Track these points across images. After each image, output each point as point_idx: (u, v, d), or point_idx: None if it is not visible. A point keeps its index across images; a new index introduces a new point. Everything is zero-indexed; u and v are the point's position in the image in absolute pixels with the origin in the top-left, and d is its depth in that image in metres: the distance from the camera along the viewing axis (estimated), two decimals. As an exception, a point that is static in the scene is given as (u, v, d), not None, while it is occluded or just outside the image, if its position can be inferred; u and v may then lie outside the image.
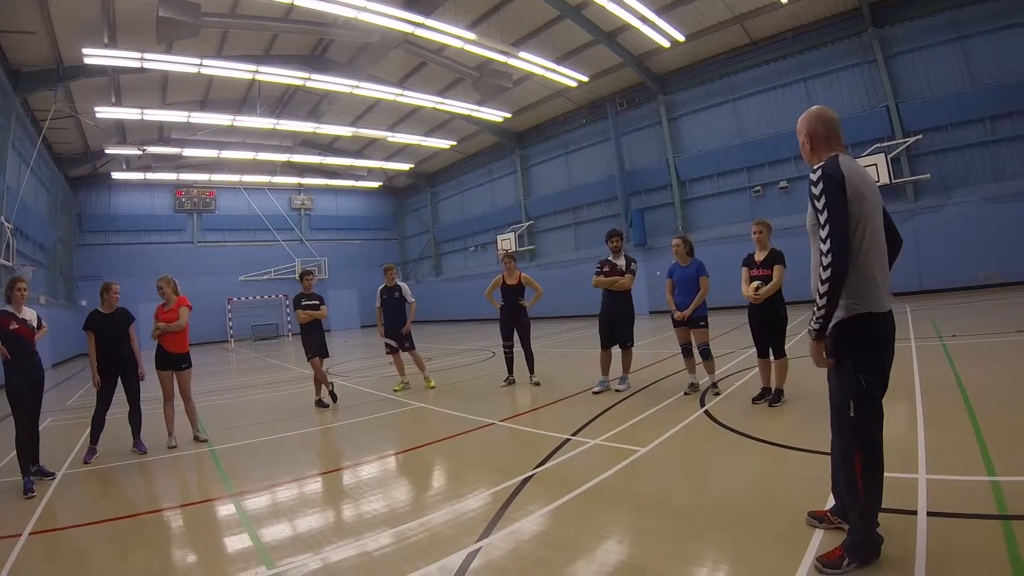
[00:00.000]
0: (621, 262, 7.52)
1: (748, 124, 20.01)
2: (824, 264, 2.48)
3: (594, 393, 7.31)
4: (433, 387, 9.11)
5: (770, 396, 5.84)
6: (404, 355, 9.30)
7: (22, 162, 18.61)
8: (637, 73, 21.31)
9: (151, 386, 6.84)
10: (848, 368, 2.59)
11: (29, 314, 5.72)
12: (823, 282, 2.48)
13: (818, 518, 2.95)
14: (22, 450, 5.36)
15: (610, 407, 6.50)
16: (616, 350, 7.58)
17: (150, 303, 7.01)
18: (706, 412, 5.79)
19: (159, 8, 13.63)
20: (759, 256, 5.96)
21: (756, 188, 19.81)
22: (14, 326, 5.49)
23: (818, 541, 2.79)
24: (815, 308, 2.55)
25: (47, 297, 20.52)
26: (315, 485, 4.98)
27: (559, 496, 3.84)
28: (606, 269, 7.54)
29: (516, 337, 8.72)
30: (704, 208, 21.57)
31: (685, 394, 6.65)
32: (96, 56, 15.24)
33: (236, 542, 3.76)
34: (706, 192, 21.44)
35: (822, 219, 2.53)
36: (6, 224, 15.86)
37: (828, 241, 2.48)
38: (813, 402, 5.45)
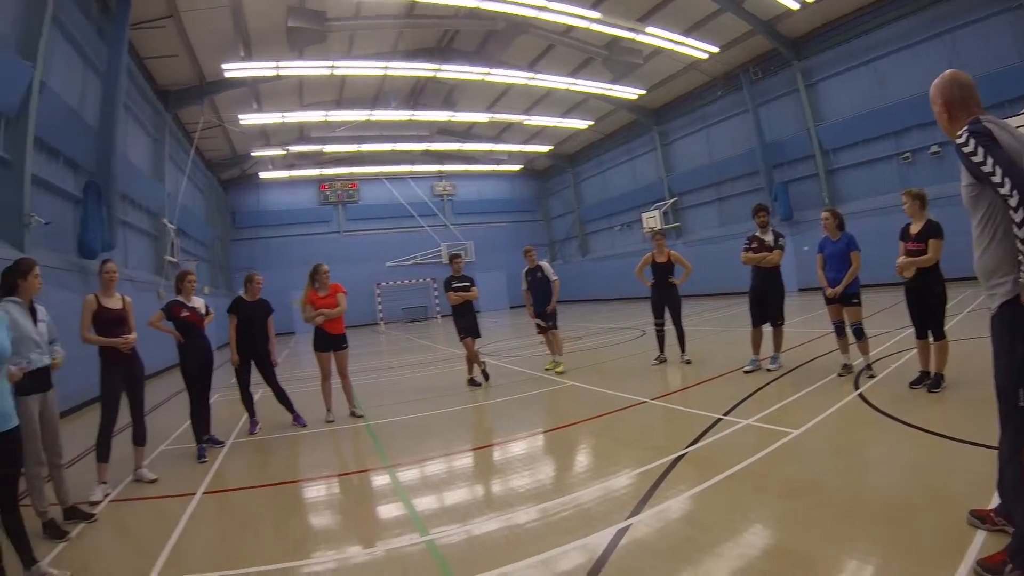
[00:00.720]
0: (769, 237, 7.16)
1: (891, 85, 17.34)
2: (1013, 205, 2.13)
3: (745, 372, 7.11)
4: (561, 372, 8.65)
5: (929, 381, 5.30)
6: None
7: (179, 171, 20.15)
8: (768, 40, 19.49)
9: (309, 366, 7.38)
10: (1018, 351, 2.31)
11: (197, 303, 6.04)
12: (1020, 225, 2.12)
13: (980, 518, 2.67)
14: (196, 421, 5.86)
15: (762, 387, 6.30)
16: (767, 328, 7.25)
17: (300, 292, 7.43)
18: (860, 395, 5.43)
19: (288, 19, 14.43)
20: (915, 228, 5.35)
21: (905, 155, 17.33)
22: (185, 313, 5.86)
23: (980, 542, 2.52)
24: (1021, 256, 2.16)
25: (210, 287, 22.34)
26: (466, 460, 5.08)
27: (710, 476, 3.76)
28: (754, 245, 7.22)
29: (667, 315, 8.60)
30: (851, 178, 19.33)
31: (838, 375, 6.26)
32: (235, 69, 16.58)
33: (391, 510, 3.96)
34: (852, 161, 19.16)
35: (987, 168, 2.22)
36: (169, 226, 17.32)
37: (1005, 180, 2.16)
38: (977, 389, 4.76)
